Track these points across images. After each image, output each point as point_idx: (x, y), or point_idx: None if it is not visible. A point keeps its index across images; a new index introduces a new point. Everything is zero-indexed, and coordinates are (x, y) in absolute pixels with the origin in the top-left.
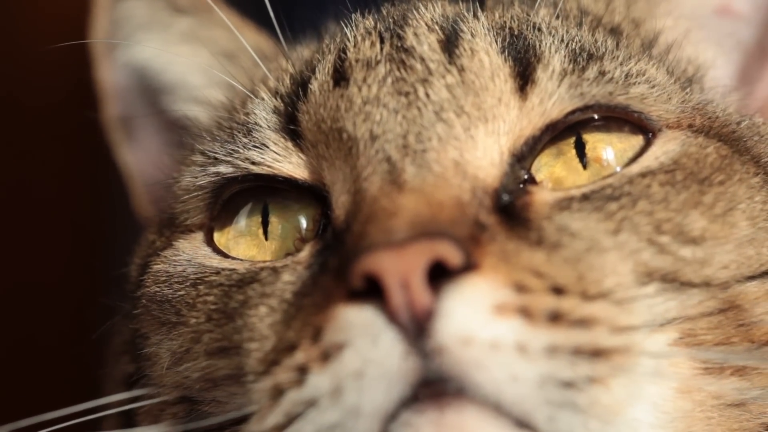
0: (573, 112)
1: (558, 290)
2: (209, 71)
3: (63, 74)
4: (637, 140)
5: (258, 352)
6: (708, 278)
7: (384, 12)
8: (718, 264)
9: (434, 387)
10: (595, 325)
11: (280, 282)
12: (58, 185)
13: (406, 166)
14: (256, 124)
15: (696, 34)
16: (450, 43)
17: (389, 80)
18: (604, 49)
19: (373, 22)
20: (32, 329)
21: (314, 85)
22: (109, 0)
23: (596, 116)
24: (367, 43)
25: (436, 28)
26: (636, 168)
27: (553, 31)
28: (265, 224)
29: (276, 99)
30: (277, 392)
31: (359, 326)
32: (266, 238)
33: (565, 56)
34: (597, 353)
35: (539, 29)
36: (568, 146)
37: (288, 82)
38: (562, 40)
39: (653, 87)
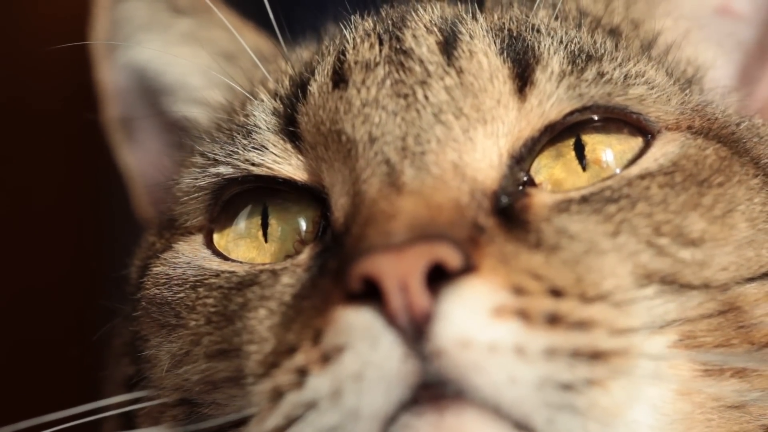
0: (572, 113)
1: (556, 292)
2: (209, 72)
3: (63, 77)
4: (637, 142)
5: (257, 355)
6: (707, 280)
7: (383, 14)
8: (718, 266)
9: (433, 389)
10: (593, 328)
11: (279, 285)
12: (59, 186)
13: (405, 169)
14: (255, 125)
15: (696, 35)
16: (448, 44)
17: (388, 82)
18: (603, 50)
19: (372, 24)
20: (32, 330)
21: (313, 87)
22: (109, 1)
23: (595, 117)
24: (366, 45)
25: (435, 29)
26: (635, 170)
27: (552, 33)
28: (264, 226)
29: (275, 101)
30: (277, 394)
31: (359, 329)
32: (266, 240)
33: (563, 57)
34: (596, 355)
35: (538, 30)
36: (568, 148)
37: (287, 83)
38: (561, 42)
39: (652, 88)
